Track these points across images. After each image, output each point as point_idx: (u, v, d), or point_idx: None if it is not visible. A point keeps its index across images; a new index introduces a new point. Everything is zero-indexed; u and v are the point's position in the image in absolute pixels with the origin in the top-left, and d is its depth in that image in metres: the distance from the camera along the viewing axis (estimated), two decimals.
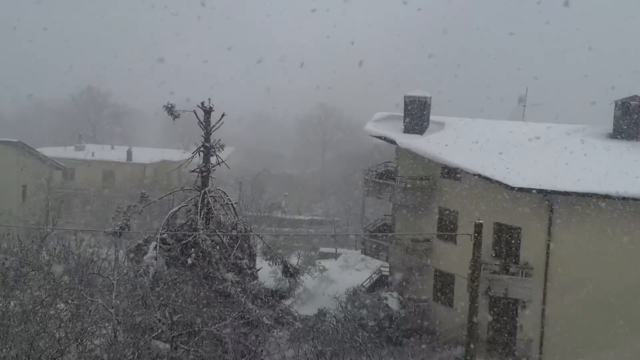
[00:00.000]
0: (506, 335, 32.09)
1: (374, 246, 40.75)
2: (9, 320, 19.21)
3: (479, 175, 32.06)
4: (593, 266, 29.74)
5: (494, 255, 32.38)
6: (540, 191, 30.16)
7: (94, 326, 20.34)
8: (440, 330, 34.00)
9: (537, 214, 30.96)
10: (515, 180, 30.48)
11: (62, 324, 20.17)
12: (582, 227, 30.14)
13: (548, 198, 30.39)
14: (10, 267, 24.03)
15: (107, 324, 20.39)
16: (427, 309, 35.65)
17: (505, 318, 32.20)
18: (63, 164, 63.72)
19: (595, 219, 29.93)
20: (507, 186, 30.55)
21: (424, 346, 27.39)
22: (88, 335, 19.98)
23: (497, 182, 31.03)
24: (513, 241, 32.05)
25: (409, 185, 36.61)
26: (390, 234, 39.20)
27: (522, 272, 31.16)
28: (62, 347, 19.06)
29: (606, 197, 29.25)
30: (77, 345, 19.62)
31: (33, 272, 24.45)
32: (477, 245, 25.12)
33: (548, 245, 30.59)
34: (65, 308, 21.87)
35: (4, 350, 16.80)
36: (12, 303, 22.01)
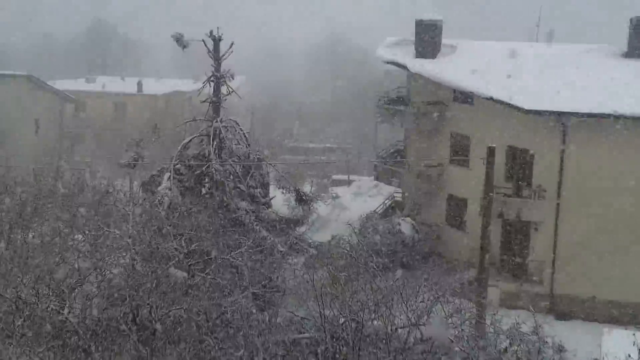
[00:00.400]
0: (518, 257, 32.39)
1: (387, 172, 40.82)
2: (29, 251, 19.60)
3: (492, 98, 31.76)
4: (606, 187, 29.71)
5: (506, 178, 32.38)
6: (553, 112, 29.92)
7: (112, 256, 20.71)
8: (453, 254, 34.34)
9: (551, 135, 30.78)
10: (529, 102, 30.20)
11: (81, 255, 20.57)
12: (595, 149, 29.99)
13: (561, 119, 30.16)
14: (27, 200, 24.38)
15: (124, 254, 20.73)
16: (440, 234, 35.90)
17: (518, 240, 32.43)
18: (74, 97, 63.67)
19: (609, 140, 29.75)
20: (520, 108, 30.30)
21: (436, 270, 27.68)
22: (106, 264, 20.37)
23: (510, 104, 30.76)
24: (526, 164, 31.98)
25: (421, 111, 36.36)
26: (403, 160, 39.20)
27: (534, 195, 31.22)
28: (82, 277, 19.49)
29: (620, 117, 28.99)
30: (96, 274, 20.04)
31: (50, 205, 24.83)
32: (489, 169, 25.17)
33: (561, 167, 30.53)
34: (83, 239, 22.26)
35: (25, 280, 17.18)
36: (30, 235, 22.44)
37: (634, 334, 17.71)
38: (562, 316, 29.98)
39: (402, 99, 39.67)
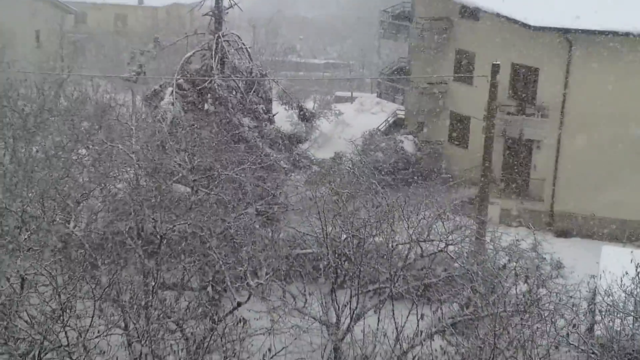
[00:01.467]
0: (520, 175, 32.55)
1: (390, 89, 40.55)
2: (33, 165, 19.73)
3: (498, 14, 31.22)
4: (610, 107, 29.55)
5: (510, 96, 32.19)
6: (559, 29, 29.49)
7: (116, 170, 20.84)
8: (455, 171, 34.49)
9: (556, 53, 30.42)
10: (536, 18, 29.70)
11: (85, 169, 20.71)
12: (601, 67, 29.66)
13: (568, 37, 29.75)
14: (30, 113, 24.32)
15: (128, 169, 20.84)
16: (442, 151, 35.97)
17: (520, 159, 32.51)
18: (74, 8, 62.53)
19: (615, 59, 29.41)
20: (526, 25, 29.82)
21: (438, 187, 27.85)
22: (110, 179, 20.52)
23: (517, 21, 30.26)
24: (530, 82, 31.73)
25: (425, 27, 35.81)
26: (406, 77, 38.89)
27: (538, 113, 31.09)
28: (86, 191, 19.67)
29: (627, 34, 28.59)
30: (101, 189, 20.23)
31: (52, 118, 24.76)
32: (493, 86, 25.01)
33: (565, 86, 30.31)
34: (86, 153, 22.35)
35: (30, 194, 17.34)
36: (34, 149, 22.51)
37: (632, 252, 18.00)
38: (561, 233, 30.35)
39: (407, 14, 39.02)
